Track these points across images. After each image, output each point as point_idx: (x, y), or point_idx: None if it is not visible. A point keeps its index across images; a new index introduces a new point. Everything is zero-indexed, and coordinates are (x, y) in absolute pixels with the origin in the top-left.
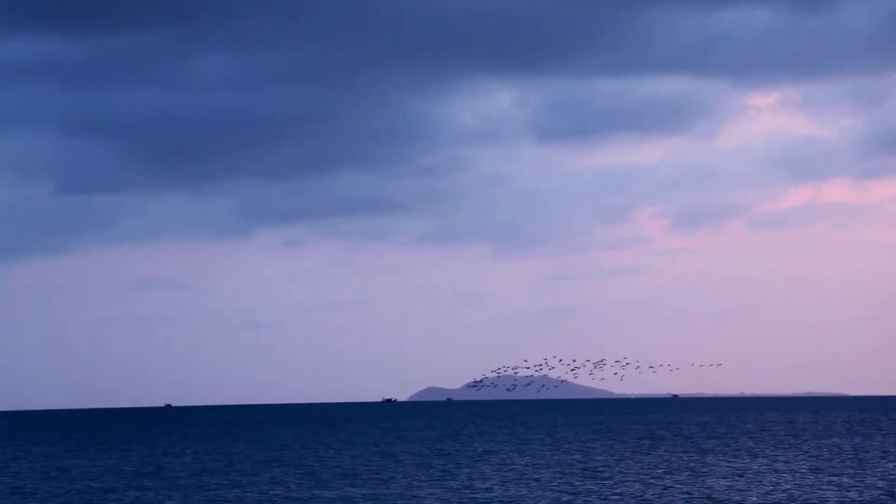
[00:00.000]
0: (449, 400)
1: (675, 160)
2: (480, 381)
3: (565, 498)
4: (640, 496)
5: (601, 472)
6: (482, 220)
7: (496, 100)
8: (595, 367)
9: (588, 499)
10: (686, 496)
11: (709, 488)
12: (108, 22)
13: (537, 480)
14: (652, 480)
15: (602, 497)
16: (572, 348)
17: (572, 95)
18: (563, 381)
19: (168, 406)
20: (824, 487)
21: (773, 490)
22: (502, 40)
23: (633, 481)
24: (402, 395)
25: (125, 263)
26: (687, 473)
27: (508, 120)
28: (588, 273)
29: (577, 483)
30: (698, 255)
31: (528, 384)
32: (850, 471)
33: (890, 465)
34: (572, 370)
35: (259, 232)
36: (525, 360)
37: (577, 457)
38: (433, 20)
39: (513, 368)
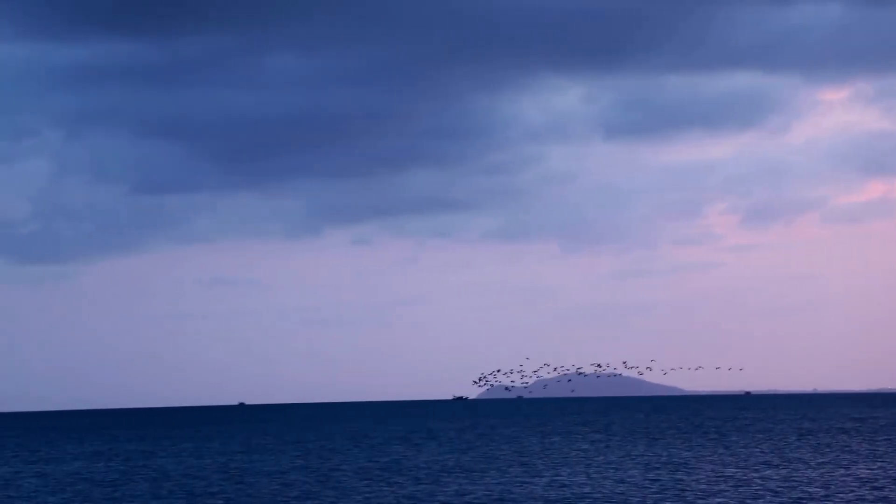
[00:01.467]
0: (519, 398)
1: (746, 156)
2: (486, 381)
3: (652, 494)
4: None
5: (684, 465)
6: (551, 217)
7: (565, 97)
8: (598, 369)
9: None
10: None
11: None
12: (182, 24)
13: (626, 476)
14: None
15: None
16: (641, 344)
17: (642, 92)
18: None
19: (241, 404)
20: None
21: None
22: (571, 37)
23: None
24: (472, 393)
25: (197, 262)
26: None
27: (578, 117)
28: (657, 270)
29: (666, 478)
30: (770, 250)
31: (504, 382)
32: None
33: None
34: (578, 372)
35: (328, 230)
36: (521, 364)
37: (663, 452)
38: (502, 17)
39: (503, 373)
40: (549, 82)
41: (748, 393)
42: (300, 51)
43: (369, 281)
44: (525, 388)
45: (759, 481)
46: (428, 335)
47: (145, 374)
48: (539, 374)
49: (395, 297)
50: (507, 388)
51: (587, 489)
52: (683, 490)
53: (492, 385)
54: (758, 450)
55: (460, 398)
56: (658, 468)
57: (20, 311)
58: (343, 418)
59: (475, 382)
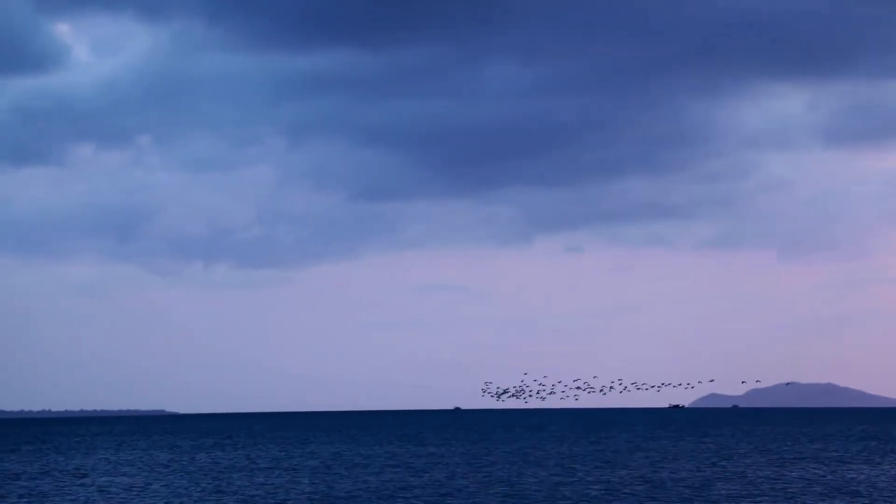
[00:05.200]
0: (734, 407)
1: None
2: (499, 389)
3: None
4: None
5: None
6: (767, 225)
7: (786, 103)
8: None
9: None
10: None
11: None
12: (402, 34)
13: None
14: None
15: None
16: (859, 355)
17: (865, 97)
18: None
19: (457, 409)
20: None
21: None
22: (794, 43)
23: None
24: (686, 401)
25: (411, 268)
26: None
27: (797, 123)
28: (877, 279)
29: None
30: None
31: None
32: None
33: None
34: (583, 387)
35: (540, 238)
36: (525, 373)
37: None
38: (723, 24)
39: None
40: (770, 89)
41: None
42: (518, 60)
43: (581, 288)
44: (740, 396)
45: None
46: (641, 343)
47: (360, 378)
48: (755, 383)
49: (608, 304)
50: (528, 401)
51: None
52: None
53: (498, 396)
54: None
55: (677, 406)
56: None
57: (242, 315)
58: (565, 424)
59: (486, 392)
